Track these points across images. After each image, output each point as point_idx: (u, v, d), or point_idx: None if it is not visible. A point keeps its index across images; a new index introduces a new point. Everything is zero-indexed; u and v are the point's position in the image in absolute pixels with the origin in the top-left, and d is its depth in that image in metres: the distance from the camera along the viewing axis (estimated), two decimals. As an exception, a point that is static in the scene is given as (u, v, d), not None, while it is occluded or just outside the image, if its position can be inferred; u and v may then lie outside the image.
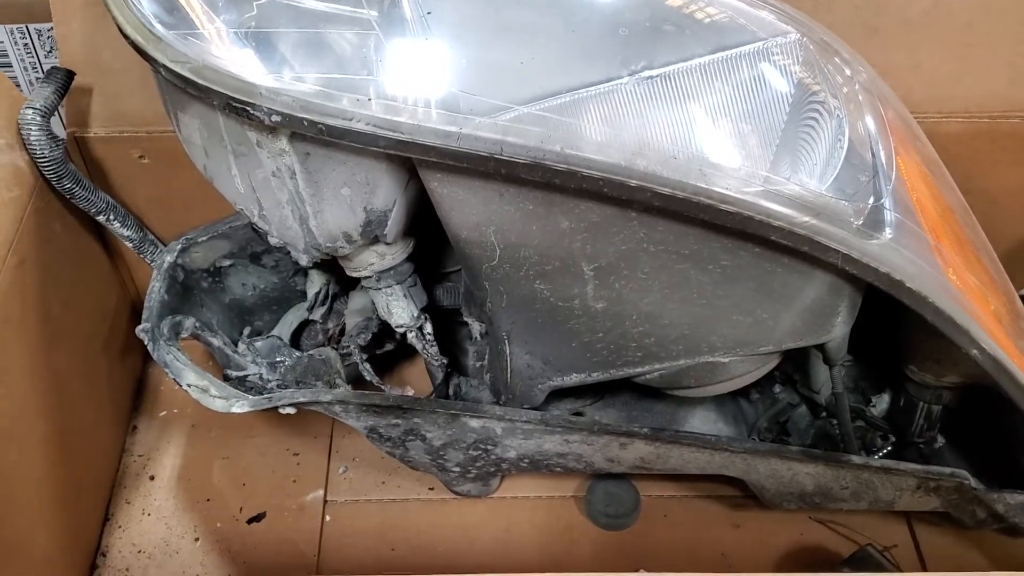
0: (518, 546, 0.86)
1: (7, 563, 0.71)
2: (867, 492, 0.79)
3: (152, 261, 0.88)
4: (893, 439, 0.85)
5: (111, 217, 0.83)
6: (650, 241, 0.66)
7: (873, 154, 0.67)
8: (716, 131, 0.65)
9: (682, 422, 0.85)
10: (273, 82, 0.61)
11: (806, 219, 0.62)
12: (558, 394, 0.82)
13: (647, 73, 0.63)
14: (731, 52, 0.67)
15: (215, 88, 0.59)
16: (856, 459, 0.76)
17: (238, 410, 0.74)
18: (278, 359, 0.83)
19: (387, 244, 0.74)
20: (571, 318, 0.71)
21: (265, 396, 0.74)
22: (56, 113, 0.78)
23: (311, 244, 0.71)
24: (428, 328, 0.81)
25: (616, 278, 0.68)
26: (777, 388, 0.90)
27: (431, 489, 0.90)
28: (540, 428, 0.75)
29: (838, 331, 0.70)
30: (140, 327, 0.80)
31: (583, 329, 0.72)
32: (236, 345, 0.88)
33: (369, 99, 0.60)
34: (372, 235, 0.70)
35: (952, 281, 0.66)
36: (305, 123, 0.60)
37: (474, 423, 0.76)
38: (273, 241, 0.72)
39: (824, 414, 0.87)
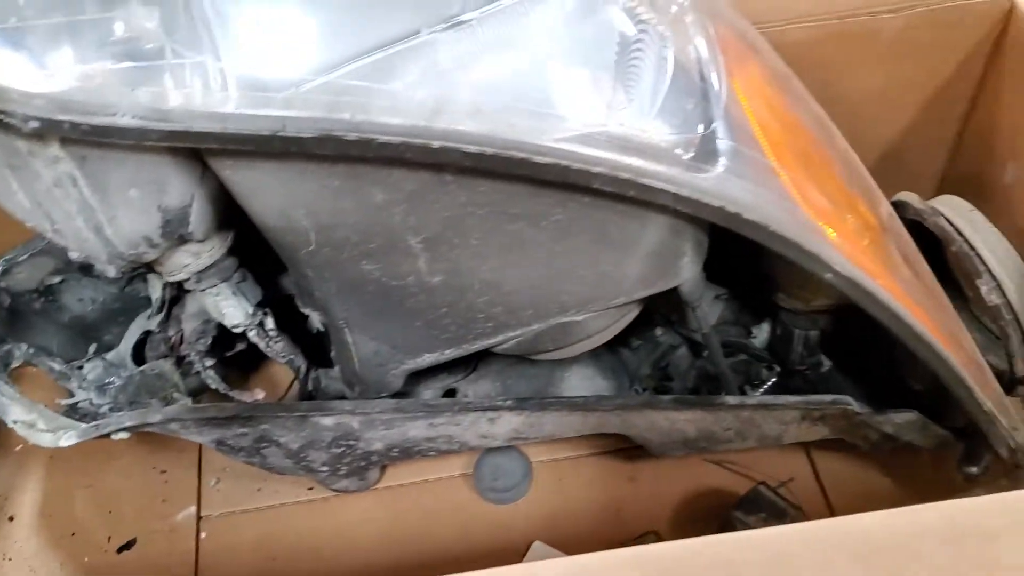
0: (406, 537, 0.82)
1: None
2: (752, 430, 0.76)
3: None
4: (778, 369, 0.81)
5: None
6: (474, 204, 0.61)
7: (703, 79, 0.62)
8: (529, 77, 0.59)
9: (559, 383, 0.81)
10: (25, 83, 0.54)
11: (629, 161, 0.57)
12: (426, 373, 0.77)
13: (442, 26, 0.58)
14: None
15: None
16: (731, 400, 0.72)
17: (65, 443, 0.67)
18: (107, 380, 0.76)
19: (199, 242, 0.67)
20: (409, 296, 0.65)
21: (93, 424, 0.68)
22: None
23: (113, 254, 0.64)
24: (269, 323, 0.75)
25: (448, 248, 0.63)
26: (658, 331, 0.86)
27: (310, 489, 0.85)
28: (399, 416, 0.70)
29: (687, 272, 0.66)
30: (-40, 364, 0.74)
31: (424, 306, 0.66)
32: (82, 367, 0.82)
33: (132, 89, 0.54)
34: (176, 235, 0.64)
35: (798, 204, 0.62)
36: (66, 126, 0.53)
37: (327, 421, 0.70)
38: (74, 256, 0.65)
39: (705, 353, 0.83)
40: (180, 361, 0.81)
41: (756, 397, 0.73)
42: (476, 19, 0.59)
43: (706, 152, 0.59)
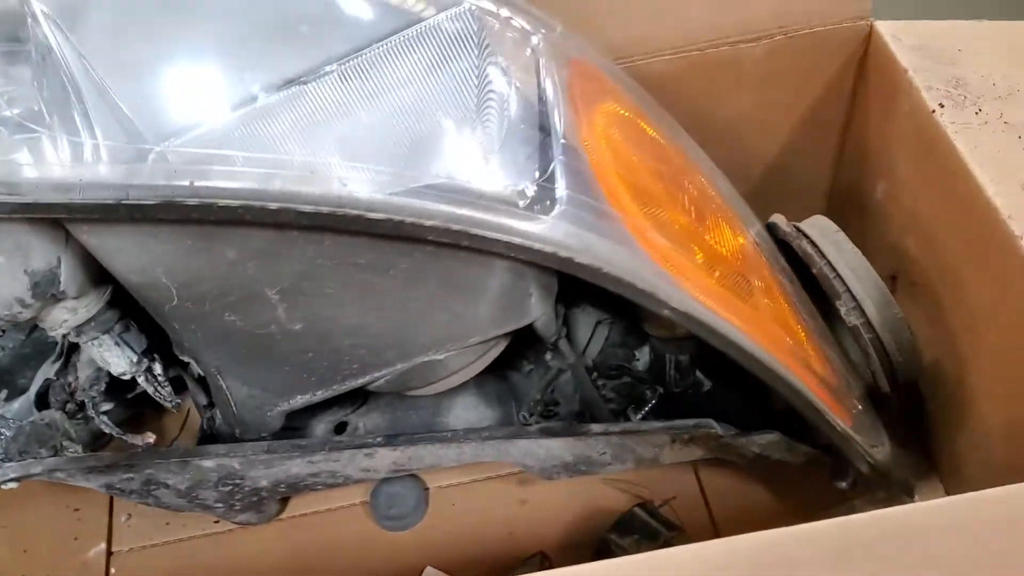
0: (305, 567, 0.84)
1: None
2: (627, 454, 0.79)
3: None
4: (660, 391, 0.84)
5: None
6: (323, 257, 0.63)
7: (542, 128, 0.65)
8: (366, 133, 0.62)
9: (445, 413, 0.83)
10: None
11: (461, 212, 0.59)
12: (318, 407, 0.80)
13: (279, 91, 0.61)
14: (377, 46, 0.64)
15: None
16: (596, 427, 0.74)
17: (-48, 496, 0.71)
18: (4, 432, 0.79)
19: (75, 299, 0.70)
20: (274, 343, 0.68)
21: (-21, 476, 0.71)
22: None
23: (-8, 314, 0.67)
24: (157, 369, 0.78)
25: (304, 298, 0.66)
26: (548, 356, 0.88)
27: (216, 522, 0.88)
28: (274, 457, 0.73)
29: (537, 311, 0.68)
30: None
31: (291, 352, 0.69)
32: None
33: None
34: (48, 295, 0.66)
35: (636, 245, 0.64)
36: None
37: (207, 463, 0.73)
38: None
39: (595, 375, 0.86)
40: (82, 407, 0.84)
41: (620, 424, 0.76)
42: (313, 81, 0.62)
43: (542, 200, 0.62)
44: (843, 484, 0.79)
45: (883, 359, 0.78)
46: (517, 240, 0.60)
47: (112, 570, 0.86)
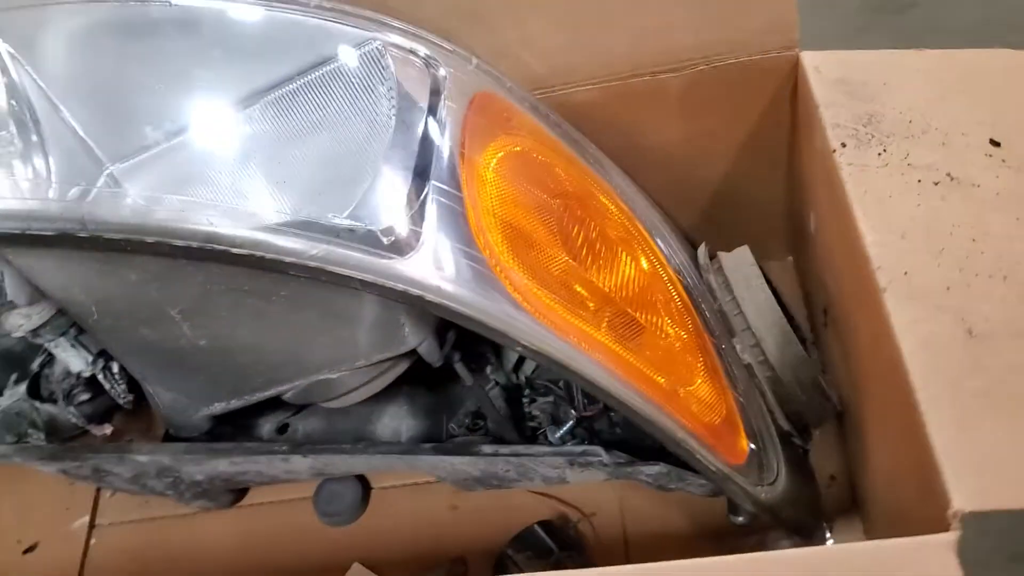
0: (252, 554, 0.92)
1: None
2: (532, 472, 0.81)
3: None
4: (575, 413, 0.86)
5: None
6: (211, 283, 0.69)
7: (421, 168, 0.68)
8: (249, 170, 0.67)
9: (375, 422, 0.88)
10: None
11: (318, 250, 0.63)
12: (264, 408, 0.86)
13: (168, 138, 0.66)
14: (275, 91, 0.69)
15: None
16: (487, 448, 0.78)
17: (-69, 471, 0.81)
18: None
19: (27, 306, 0.79)
20: (186, 356, 0.75)
21: (-48, 456, 0.82)
22: None
23: (-48, 319, 0.77)
24: (115, 367, 0.86)
25: (204, 318, 0.72)
26: (489, 369, 0.91)
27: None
28: (194, 457, 0.80)
29: (414, 339, 0.72)
30: None
31: (201, 364, 0.76)
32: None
33: None
34: (-1, 303, 0.76)
35: (496, 284, 0.66)
36: None
37: (141, 458, 0.81)
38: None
39: (527, 392, 0.89)
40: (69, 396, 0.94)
41: (509, 447, 0.78)
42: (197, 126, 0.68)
43: (408, 240, 0.65)
44: (739, 519, 0.79)
45: (785, 397, 0.78)
46: (369, 277, 0.63)
47: (92, 540, 0.96)
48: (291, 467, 0.82)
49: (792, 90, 0.80)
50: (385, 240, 0.65)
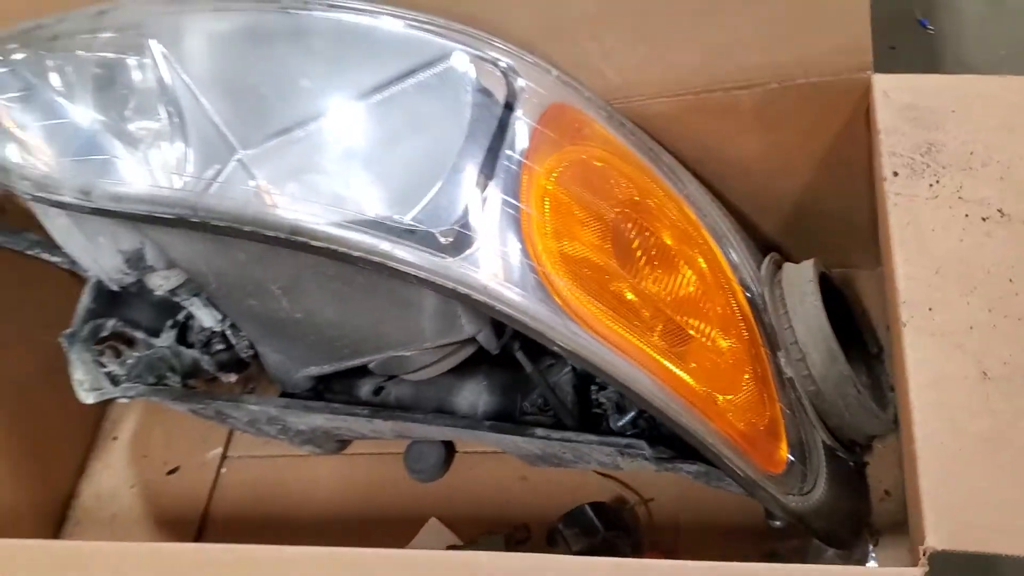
0: (349, 497, 1.04)
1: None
2: (588, 457, 0.87)
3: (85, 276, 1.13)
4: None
5: (39, 251, 1.08)
6: (302, 267, 0.79)
7: (484, 175, 0.75)
8: (338, 169, 0.76)
9: (456, 394, 0.96)
10: (22, 167, 0.81)
11: (383, 247, 0.72)
12: (364, 372, 0.97)
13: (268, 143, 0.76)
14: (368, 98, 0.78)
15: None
16: (539, 431, 0.84)
17: (90, 401, 0.97)
18: (128, 360, 1.04)
19: (166, 270, 0.92)
20: (286, 325, 0.86)
21: (106, 390, 0.97)
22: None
23: (108, 277, 0.91)
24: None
25: (298, 294, 0.83)
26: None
27: (301, 447, 1.10)
28: (290, 411, 0.92)
29: (471, 329, 0.79)
30: (62, 333, 1.06)
31: (298, 333, 0.87)
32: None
33: (74, 176, 0.79)
34: (141, 267, 0.89)
35: (539, 288, 0.72)
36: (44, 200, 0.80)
37: (253, 407, 0.94)
38: (90, 276, 0.94)
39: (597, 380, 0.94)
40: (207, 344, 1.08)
41: (559, 432, 0.84)
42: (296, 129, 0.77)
43: (462, 242, 0.73)
44: (776, 523, 0.82)
45: (827, 412, 0.79)
46: (424, 274, 0.71)
47: (223, 469, 1.12)
48: (375, 428, 0.93)
49: (866, 111, 0.80)
50: (442, 240, 0.73)
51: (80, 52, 0.82)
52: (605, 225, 0.78)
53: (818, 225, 0.94)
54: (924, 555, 0.57)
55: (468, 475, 1.02)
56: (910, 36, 1.53)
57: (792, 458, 0.79)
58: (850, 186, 0.90)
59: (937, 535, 0.57)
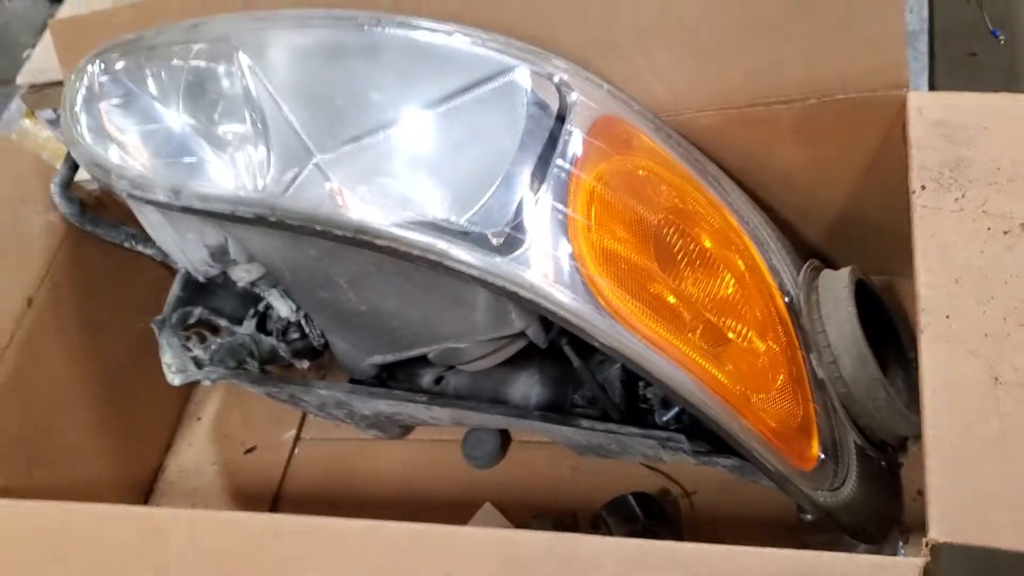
0: (410, 481, 1.11)
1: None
2: (632, 448, 0.93)
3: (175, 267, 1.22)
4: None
5: (134, 243, 1.18)
6: (366, 263, 0.86)
7: (535, 179, 0.81)
8: (406, 174, 0.83)
9: (510, 385, 1.02)
10: (119, 167, 0.90)
11: (439, 247, 0.78)
12: (426, 361, 1.04)
13: (343, 148, 0.84)
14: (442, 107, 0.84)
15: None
16: (584, 422, 0.90)
17: (176, 382, 1.06)
18: (212, 346, 1.13)
19: (247, 263, 1.00)
20: (352, 316, 0.93)
21: (190, 372, 1.06)
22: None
23: (195, 269, 1.00)
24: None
25: (363, 288, 0.90)
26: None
27: (369, 431, 1.17)
28: (356, 396, 0.99)
29: (521, 323, 0.85)
30: (154, 319, 1.16)
31: (363, 324, 0.94)
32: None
33: (166, 174, 0.87)
34: (224, 260, 0.98)
35: (583, 288, 0.78)
36: (139, 198, 0.89)
37: (322, 392, 1.01)
38: (180, 267, 1.03)
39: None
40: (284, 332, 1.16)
41: (604, 424, 0.89)
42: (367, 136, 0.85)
43: (512, 243, 0.79)
44: (807, 517, 0.86)
45: (857, 414, 0.83)
46: (476, 272, 0.77)
47: (296, 450, 1.20)
48: (434, 415, 1.00)
49: (903, 127, 0.83)
50: (495, 241, 0.79)
51: (175, 61, 0.91)
52: (648, 229, 0.84)
53: (861, 233, 0.98)
54: (926, 546, 0.61)
55: (522, 463, 1.08)
56: (990, 43, 1.54)
57: (823, 456, 0.83)
58: (890, 197, 0.92)
59: (940, 528, 0.61)
